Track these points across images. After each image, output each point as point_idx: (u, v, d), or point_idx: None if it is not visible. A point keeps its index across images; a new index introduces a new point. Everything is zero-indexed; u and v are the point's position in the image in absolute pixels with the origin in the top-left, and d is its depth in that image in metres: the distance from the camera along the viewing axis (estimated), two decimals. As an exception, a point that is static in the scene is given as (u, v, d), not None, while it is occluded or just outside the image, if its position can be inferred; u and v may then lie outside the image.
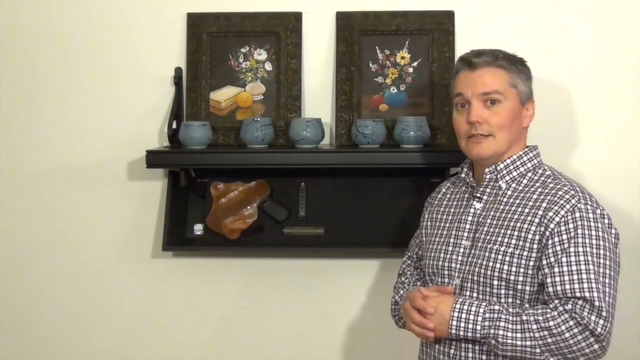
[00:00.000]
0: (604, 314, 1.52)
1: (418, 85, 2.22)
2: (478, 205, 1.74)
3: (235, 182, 2.26)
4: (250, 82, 2.26)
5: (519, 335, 1.55)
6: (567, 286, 1.55)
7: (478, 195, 1.74)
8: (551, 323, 1.53)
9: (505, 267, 1.63)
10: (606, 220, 1.63)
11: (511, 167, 1.72)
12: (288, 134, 2.16)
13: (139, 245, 2.34)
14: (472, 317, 1.60)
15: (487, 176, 1.72)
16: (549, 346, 1.54)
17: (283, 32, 2.24)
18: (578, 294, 1.54)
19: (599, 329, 1.52)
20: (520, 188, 1.70)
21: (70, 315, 2.38)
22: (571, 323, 1.52)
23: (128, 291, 2.36)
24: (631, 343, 2.25)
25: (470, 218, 1.74)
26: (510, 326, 1.57)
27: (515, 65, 1.74)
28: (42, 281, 2.37)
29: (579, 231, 1.58)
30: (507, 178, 1.72)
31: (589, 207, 1.61)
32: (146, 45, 2.29)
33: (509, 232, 1.65)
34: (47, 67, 2.32)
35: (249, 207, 2.25)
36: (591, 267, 1.56)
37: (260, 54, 2.26)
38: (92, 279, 2.36)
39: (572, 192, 1.63)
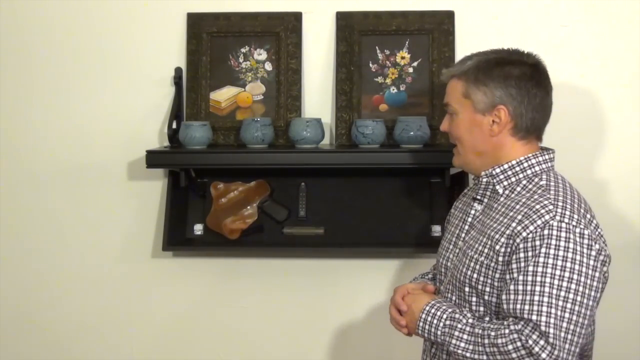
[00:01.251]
0: (551, 340, 1.43)
1: (418, 85, 2.22)
2: (478, 207, 1.70)
3: (235, 182, 2.27)
4: (250, 82, 2.26)
5: (470, 347, 1.52)
6: (519, 306, 1.46)
7: (478, 197, 1.71)
8: (500, 341, 1.47)
9: (475, 275, 1.59)
10: (585, 241, 1.49)
11: (509, 173, 1.63)
12: (288, 134, 2.16)
13: (139, 245, 2.34)
14: (435, 321, 1.59)
15: (484, 180, 1.67)
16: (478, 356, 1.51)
17: (283, 32, 2.24)
18: (526, 316, 1.45)
19: (543, 355, 1.43)
20: (512, 196, 1.61)
21: (70, 314, 2.38)
22: (518, 344, 1.45)
23: (128, 291, 2.36)
24: (632, 343, 2.25)
25: (469, 219, 1.71)
26: (464, 337, 1.53)
27: (478, 73, 1.63)
28: (42, 281, 2.38)
29: (543, 250, 1.47)
30: (505, 183, 1.64)
31: (563, 224, 1.49)
32: (146, 45, 2.29)
33: (484, 240, 1.59)
34: (47, 67, 2.32)
35: (249, 207, 2.25)
36: (546, 289, 1.45)
37: (260, 54, 2.26)
38: (92, 279, 2.36)
39: (550, 207, 1.52)
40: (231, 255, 2.33)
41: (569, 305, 1.45)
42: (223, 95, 2.27)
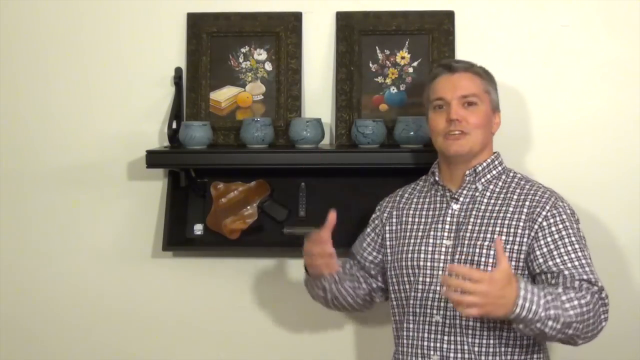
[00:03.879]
0: (604, 292, 1.69)
1: (418, 85, 2.22)
2: (455, 207, 1.83)
3: (235, 182, 2.26)
4: (250, 82, 2.26)
5: (571, 312, 1.59)
6: (574, 270, 1.69)
7: (456, 196, 1.83)
8: (587, 299, 1.62)
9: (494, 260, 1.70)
10: (576, 216, 1.82)
11: (486, 170, 1.84)
12: (288, 134, 2.16)
13: (139, 245, 2.34)
14: (535, 298, 1.55)
15: (467, 178, 1.83)
16: (584, 322, 1.62)
17: (283, 32, 2.24)
18: (585, 277, 1.68)
19: (608, 306, 1.69)
20: (497, 190, 1.83)
21: (70, 315, 2.38)
22: (596, 297, 1.65)
23: (128, 291, 2.36)
24: (631, 343, 2.25)
25: (449, 219, 1.82)
26: (563, 305, 1.60)
27: (488, 75, 1.87)
28: (42, 281, 2.37)
29: (567, 223, 1.75)
30: (483, 180, 1.83)
31: (565, 204, 1.79)
32: (146, 45, 2.29)
33: (497, 229, 1.76)
34: (46, 67, 2.32)
35: (249, 207, 2.25)
36: (585, 252, 1.73)
37: (260, 54, 2.26)
38: (92, 279, 2.36)
39: (548, 193, 1.80)
40: (231, 255, 2.33)
41: (592, 263, 1.74)
42: (223, 95, 2.27)
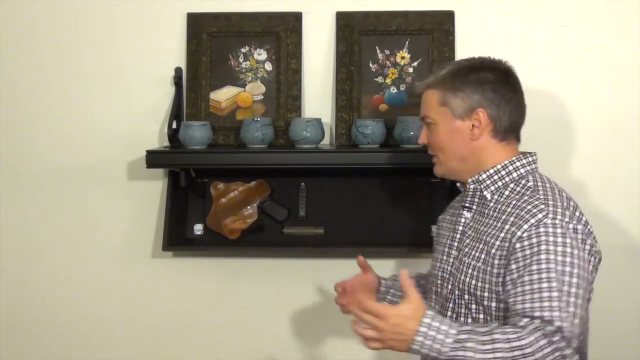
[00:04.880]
0: (566, 334, 1.43)
1: (418, 85, 2.22)
2: (468, 215, 1.70)
3: (235, 182, 2.27)
4: (250, 82, 2.26)
5: (489, 356, 1.42)
6: (528, 305, 1.46)
7: (467, 205, 1.70)
8: (524, 342, 1.42)
9: (473, 281, 1.60)
10: (579, 236, 1.52)
11: (495, 177, 1.65)
12: (288, 134, 2.16)
13: (139, 245, 2.34)
14: (440, 336, 1.43)
15: (471, 186, 1.68)
16: None
17: (283, 32, 2.24)
18: (537, 314, 1.44)
19: (567, 351, 1.43)
20: (502, 200, 1.63)
21: (70, 314, 2.38)
22: (543, 342, 1.42)
23: (128, 291, 2.36)
24: (631, 344, 2.25)
25: (460, 227, 1.70)
26: (479, 347, 1.43)
27: (454, 80, 1.65)
28: (42, 281, 2.37)
29: (543, 247, 1.49)
30: (492, 188, 1.65)
31: (557, 221, 1.52)
32: (146, 45, 2.29)
33: (480, 245, 1.61)
34: (46, 67, 2.32)
35: (249, 207, 2.25)
36: (554, 284, 1.46)
37: (260, 54, 2.26)
38: (92, 279, 2.36)
39: (542, 206, 1.54)
40: (231, 255, 2.33)
41: (571, 299, 1.46)
42: (223, 95, 2.27)
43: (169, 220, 2.21)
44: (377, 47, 2.23)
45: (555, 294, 1.45)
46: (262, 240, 2.27)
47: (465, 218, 1.70)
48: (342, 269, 2.29)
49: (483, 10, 2.23)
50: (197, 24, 2.26)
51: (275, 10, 2.25)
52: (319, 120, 2.15)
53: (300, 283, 2.32)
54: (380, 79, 2.23)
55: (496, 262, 1.56)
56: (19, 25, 2.32)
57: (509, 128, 1.66)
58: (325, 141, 2.21)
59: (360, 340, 1.49)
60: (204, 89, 2.26)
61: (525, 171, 1.65)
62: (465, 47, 2.22)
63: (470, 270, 1.61)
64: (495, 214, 1.62)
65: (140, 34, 2.29)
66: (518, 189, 1.62)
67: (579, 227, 1.54)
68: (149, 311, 2.36)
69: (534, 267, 1.48)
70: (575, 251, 1.50)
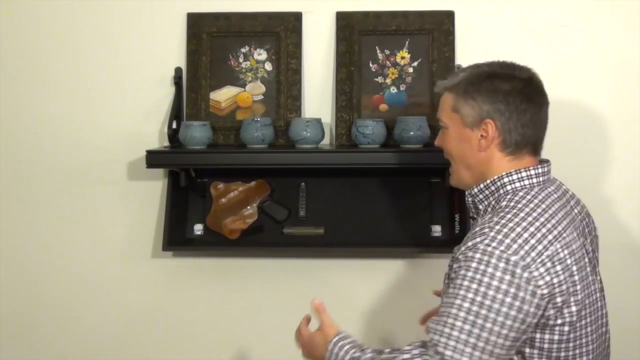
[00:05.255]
0: None
1: (418, 85, 2.22)
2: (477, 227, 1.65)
3: (235, 182, 2.27)
4: (250, 82, 2.26)
5: None
6: (431, 325, 1.43)
7: (472, 216, 1.68)
8: (404, 356, 1.45)
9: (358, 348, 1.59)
10: (503, 265, 1.41)
11: (487, 192, 1.59)
12: (288, 134, 2.16)
13: (139, 245, 2.34)
14: (341, 353, 1.55)
15: (469, 199, 1.64)
16: None
17: (283, 32, 2.24)
18: (430, 335, 1.42)
19: None
20: (483, 215, 1.59)
21: (70, 315, 2.38)
22: None
23: (128, 291, 2.36)
24: (632, 344, 2.25)
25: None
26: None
27: (468, 86, 1.59)
28: (42, 281, 2.37)
29: (462, 272, 1.43)
30: (486, 202, 1.60)
31: (488, 248, 1.43)
32: (146, 45, 2.29)
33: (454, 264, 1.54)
34: (46, 67, 2.32)
35: (249, 207, 2.25)
36: (454, 311, 1.40)
37: (260, 54, 2.26)
38: (92, 279, 2.36)
39: (487, 230, 1.46)
40: (231, 255, 2.33)
41: (468, 328, 1.39)
42: (223, 95, 2.27)
43: (169, 220, 2.21)
44: (377, 47, 2.23)
45: (450, 320, 1.40)
46: (262, 240, 2.27)
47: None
48: (342, 269, 2.31)
49: (483, 10, 2.23)
50: (197, 24, 2.26)
51: (275, 10, 2.25)
52: (319, 120, 2.14)
53: (300, 283, 2.32)
54: (380, 79, 2.23)
55: (447, 281, 1.58)
56: (18, 26, 2.32)
57: (522, 142, 1.57)
58: (325, 141, 2.21)
59: None
60: (204, 89, 2.26)
61: (522, 185, 1.57)
62: (465, 47, 2.22)
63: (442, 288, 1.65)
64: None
65: (140, 34, 2.29)
66: (497, 207, 1.55)
67: (513, 257, 1.42)
68: (149, 311, 2.36)
69: (450, 290, 1.45)
70: (495, 282, 1.40)
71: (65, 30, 2.30)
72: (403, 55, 2.23)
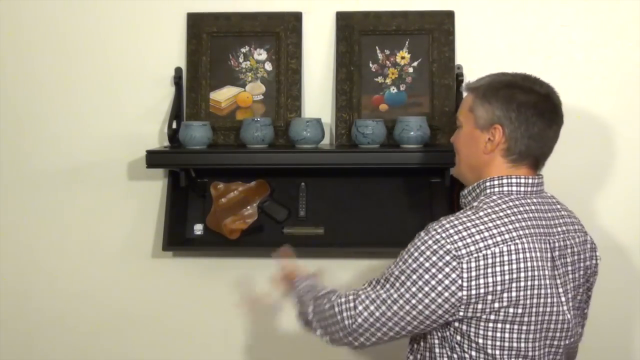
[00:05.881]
0: (358, 306, 1.59)
1: (418, 85, 2.22)
2: None
3: (235, 182, 2.27)
4: (250, 82, 2.26)
5: (304, 300, 1.75)
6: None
7: None
8: (332, 296, 1.69)
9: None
10: (435, 247, 1.51)
11: (473, 194, 1.66)
12: (288, 134, 2.16)
13: (139, 245, 2.34)
14: (302, 284, 1.81)
15: (462, 200, 1.71)
16: (318, 314, 1.70)
17: (283, 32, 2.24)
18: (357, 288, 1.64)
19: (343, 307, 1.63)
20: None
21: (70, 315, 2.38)
22: (340, 299, 1.64)
23: (128, 291, 2.36)
24: (631, 343, 2.25)
25: None
26: (308, 295, 1.75)
27: (487, 90, 1.65)
28: (42, 281, 2.38)
29: (405, 250, 1.59)
30: (475, 204, 1.63)
31: (432, 231, 1.54)
32: (146, 45, 2.29)
33: None
34: (46, 67, 2.32)
35: (249, 207, 2.25)
36: (386, 271, 1.60)
37: (260, 54, 2.26)
38: (92, 279, 2.36)
39: (444, 220, 1.56)
40: (231, 255, 2.33)
41: (390, 290, 1.56)
42: (223, 95, 2.27)
43: (169, 220, 2.21)
44: (377, 47, 2.23)
45: (375, 278, 1.61)
46: (262, 240, 2.27)
47: None
48: (342, 269, 2.31)
49: (483, 10, 2.23)
50: (197, 24, 2.26)
51: (275, 10, 2.25)
52: (319, 120, 2.15)
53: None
54: (380, 79, 2.23)
55: None
56: (19, 26, 2.32)
57: (525, 152, 1.62)
58: (325, 141, 2.21)
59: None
60: (204, 89, 2.26)
61: (500, 191, 1.62)
62: (465, 47, 2.22)
63: None
64: None
65: (140, 34, 2.29)
66: (471, 205, 1.62)
67: (448, 246, 1.50)
68: (149, 311, 2.36)
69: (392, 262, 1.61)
70: (421, 259, 1.53)
71: (65, 30, 2.30)
72: (403, 55, 2.23)
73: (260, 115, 2.24)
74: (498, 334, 1.54)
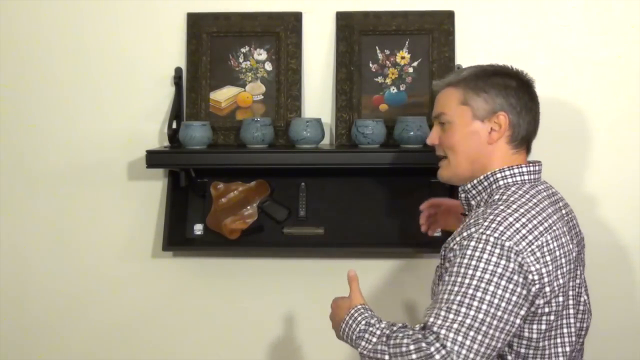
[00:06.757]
0: (447, 345, 1.38)
1: (418, 85, 2.22)
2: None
3: (235, 182, 2.27)
4: (250, 82, 2.26)
5: (377, 347, 1.48)
6: (428, 311, 1.46)
7: (465, 213, 1.72)
8: (404, 340, 1.43)
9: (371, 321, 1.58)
10: (498, 251, 1.45)
11: (479, 188, 1.64)
12: (288, 134, 2.16)
13: (139, 245, 2.34)
14: (354, 325, 1.56)
15: (462, 195, 1.68)
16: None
17: (283, 32, 2.24)
18: (430, 319, 1.43)
19: (437, 357, 1.38)
20: (477, 212, 1.60)
21: (70, 314, 2.38)
22: (418, 345, 1.40)
23: (128, 291, 2.36)
24: (631, 343, 2.25)
25: None
26: (373, 339, 1.51)
27: (478, 80, 1.64)
28: (42, 281, 2.37)
29: (458, 260, 1.47)
30: (478, 198, 1.64)
31: (483, 236, 1.47)
32: (146, 45, 2.29)
33: (449, 254, 1.56)
34: (47, 67, 2.32)
35: (249, 207, 2.25)
36: (451, 297, 1.42)
37: (260, 54, 2.26)
38: (92, 279, 2.36)
39: (481, 220, 1.51)
40: (231, 255, 2.33)
41: (464, 311, 1.41)
42: (223, 95, 2.27)
43: (169, 220, 2.21)
44: (377, 47, 2.23)
45: (446, 304, 1.42)
46: (262, 240, 2.27)
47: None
48: (342, 269, 2.29)
49: (483, 10, 2.23)
50: (197, 24, 2.26)
51: (275, 10, 2.25)
52: (319, 120, 2.15)
53: (300, 283, 2.32)
54: (380, 79, 2.23)
55: (441, 272, 1.58)
56: (19, 26, 2.32)
57: (525, 137, 1.65)
58: (325, 141, 2.21)
59: None
60: (204, 89, 2.26)
61: (514, 181, 1.62)
62: (465, 47, 2.22)
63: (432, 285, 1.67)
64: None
65: (140, 34, 2.29)
66: (490, 200, 1.59)
67: (507, 243, 1.46)
68: (148, 311, 2.36)
69: (445, 278, 1.47)
70: (490, 267, 1.44)
71: (65, 30, 2.30)
72: (403, 55, 2.23)
73: (260, 115, 2.24)
74: (546, 326, 1.53)
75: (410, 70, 2.23)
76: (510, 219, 1.50)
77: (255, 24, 2.25)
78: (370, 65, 2.24)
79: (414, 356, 1.40)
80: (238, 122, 2.23)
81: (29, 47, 2.32)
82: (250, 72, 2.26)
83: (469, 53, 2.22)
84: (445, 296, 1.44)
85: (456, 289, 1.43)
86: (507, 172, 1.62)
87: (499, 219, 1.50)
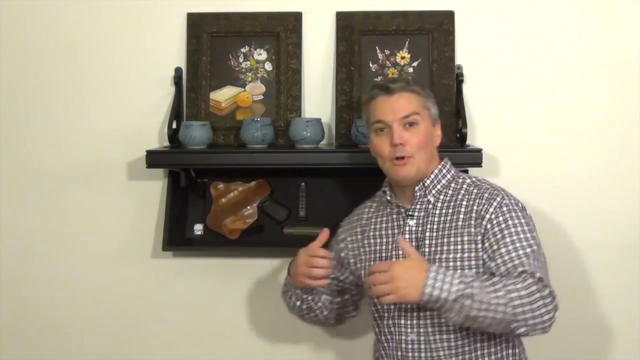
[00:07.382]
0: (545, 282, 1.66)
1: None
2: (412, 223, 1.82)
3: (235, 182, 2.27)
4: (250, 82, 2.26)
5: (492, 295, 1.61)
6: (510, 265, 1.69)
7: (410, 213, 1.83)
8: (519, 286, 1.63)
9: (464, 269, 1.74)
10: (528, 212, 1.80)
11: (435, 182, 1.83)
12: (288, 134, 2.16)
13: (139, 245, 2.34)
14: (448, 278, 1.62)
15: (418, 194, 1.82)
16: (515, 308, 1.61)
17: (283, 32, 2.24)
18: (520, 269, 1.67)
19: (546, 292, 1.64)
20: (447, 199, 1.82)
21: (69, 314, 2.38)
22: (533, 287, 1.63)
23: (128, 291, 2.36)
24: (631, 343, 2.25)
25: (407, 236, 1.81)
26: (484, 284, 1.63)
27: (425, 90, 1.86)
28: (42, 281, 2.37)
29: (510, 222, 1.74)
30: (434, 191, 1.82)
31: (512, 201, 1.79)
32: (146, 45, 2.29)
33: (452, 239, 1.77)
34: (46, 67, 2.32)
35: (249, 207, 2.25)
36: (527, 249, 1.71)
37: (260, 54, 2.26)
38: (92, 279, 2.36)
39: (495, 192, 1.79)
40: (231, 255, 2.33)
41: (542, 259, 1.73)
42: (223, 95, 2.27)
43: (169, 220, 2.21)
44: (377, 47, 2.23)
45: (530, 254, 1.70)
46: (262, 240, 2.27)
47: (410, 226, 1.82)
48: (342, 269, 2.30)
49: (483, 10, 2.23)
50: (197, 24, 2.26)
51: (275, 10, 2.25)
52: (319, 120, 2.15)
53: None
54: (380, 79, 2.23)
55: (479, 245, 1.74)
56: (18, 26, 2.32)
57: None
58: (325, 141, 2.21)
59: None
60: (204, 89, 2.26)
61: (455, 172, 1.87)
62: (465, 47, 2.22)
63: (452, 263, 1.75)
64: (452, 211, 1.80)
65: (140, 34, 2.29)
66: (458, 186, 1.83)
67: (520, 204, 1.80)
68: (149, 311, 2.36)
69: (507, 239, 1.72)
70: (531, 222, 1.78)
71: (65, 30, 2.30)
72: (403, 55, 2.23)
73: (260, 115, 2.24)
74: None
75: (410, 70, 2.23)
76: (507, 191, 1.82)
77: (255, 24, 2.25)
78: (370, 65, 2.24)
79: (534, 295, 1.63)
80: (238, 122, 2.23)
81: (28, 47, 2.32)
82: (250, 72, 2.26)
83: (469, 53, 2.22)
84: (526, 251, 1.71)
85: (526, 245, 1.72)
86: (448, 167, 1.86)
87: (499, 188, 1.81)
